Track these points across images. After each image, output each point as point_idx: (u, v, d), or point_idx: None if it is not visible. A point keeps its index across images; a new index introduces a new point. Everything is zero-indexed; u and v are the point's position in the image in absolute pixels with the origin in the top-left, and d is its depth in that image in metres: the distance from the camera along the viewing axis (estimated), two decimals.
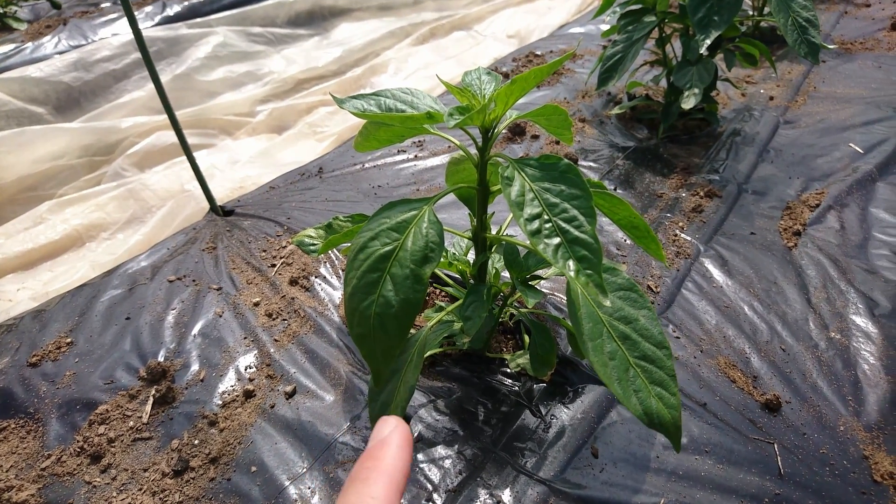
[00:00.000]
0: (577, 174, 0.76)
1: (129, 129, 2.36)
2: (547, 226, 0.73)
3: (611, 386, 0.75)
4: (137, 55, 2.78)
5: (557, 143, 1.86)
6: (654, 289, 1.30)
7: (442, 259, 1.13)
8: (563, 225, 0.73)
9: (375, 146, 1.00)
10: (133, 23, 1.30)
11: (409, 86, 2.70)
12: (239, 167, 2.12)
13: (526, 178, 0.77)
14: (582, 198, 0.74)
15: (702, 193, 1.61)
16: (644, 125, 1.99)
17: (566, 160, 0.77)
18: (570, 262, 0.70)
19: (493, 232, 1.05)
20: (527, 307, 1.06)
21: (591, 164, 1.77)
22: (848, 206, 1.57)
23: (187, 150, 1.48)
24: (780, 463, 0.98)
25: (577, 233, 0.72)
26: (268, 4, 3.29)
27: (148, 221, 1.79)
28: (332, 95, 0.88)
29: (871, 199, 1.60)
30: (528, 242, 0.81)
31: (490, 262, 1.09)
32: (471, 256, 1.18)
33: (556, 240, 0.72)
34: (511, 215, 1.18)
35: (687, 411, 1.05)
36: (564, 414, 1.04)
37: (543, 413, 1.04)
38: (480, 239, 0.98)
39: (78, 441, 1.02)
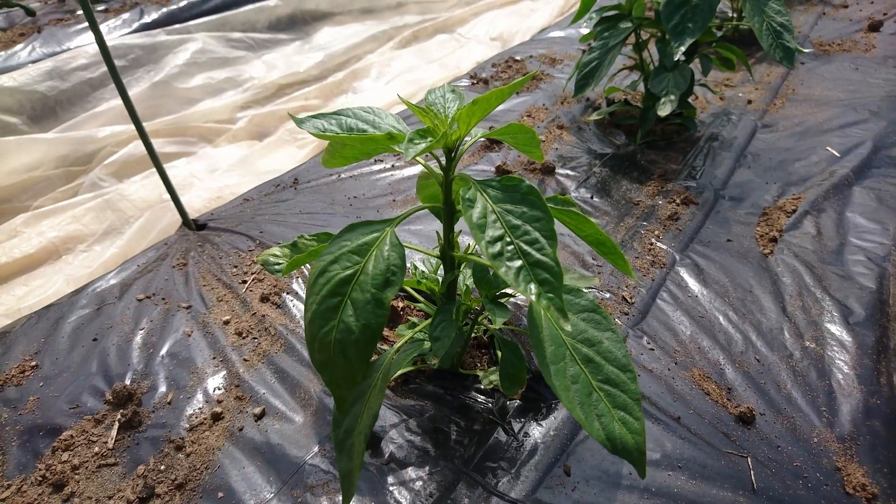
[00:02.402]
0: (538, 196, 0.74)
1: (107, 139, 2.32)
2: (509, 248, 0.72)
3: (573, 410, 0.73)
4: (115, 64, 2.74)
5: None
6: (629, 299, 1.29)
7: (410, 277, 1.12)
8: (525, 247, 0.72)
9: (342, 163, 0.98)
10: (96, 32, 1.28)
11: (392, 91, 2.69)
12: (218, 175, 2.09)
13: (488, 200, 0.76)
14: (543, 220, 0.73)
15: (678, 201, 1.61)
16: (622, 131, 1.98)
17: (527, 182, 0.75)
18: (532, 286, 0.69)
19: (465, 247, 1.04)
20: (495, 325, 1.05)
21: (569, 172, 1.76)
22: (824, 212, 1.57)
23: (157, 164, 1.45)
24: (753, 477, 0.97)
25: (538, 255, 0.71)
26: (248, 10, 3.26)
27: (125, 233, 1.76)
28: (291, 116, 0.86)
29: (848, 203, 1.60)
30: (490, 264, 0.80)
31: (461, 278, 1.08)
32: (441, 274, 1.17)
33: (518, 262, 0.71)
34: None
35: (660, 426, 1.04)
36: (537, 431, 1.03)
37: (516, 431, 1.03)
38: (448, 257, 0.96)
39: (40, 469, 0.99)
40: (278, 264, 0.99)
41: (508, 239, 0.72)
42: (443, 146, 0.84)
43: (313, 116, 0.87)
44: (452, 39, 3.28)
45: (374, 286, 0.76)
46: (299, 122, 0.85)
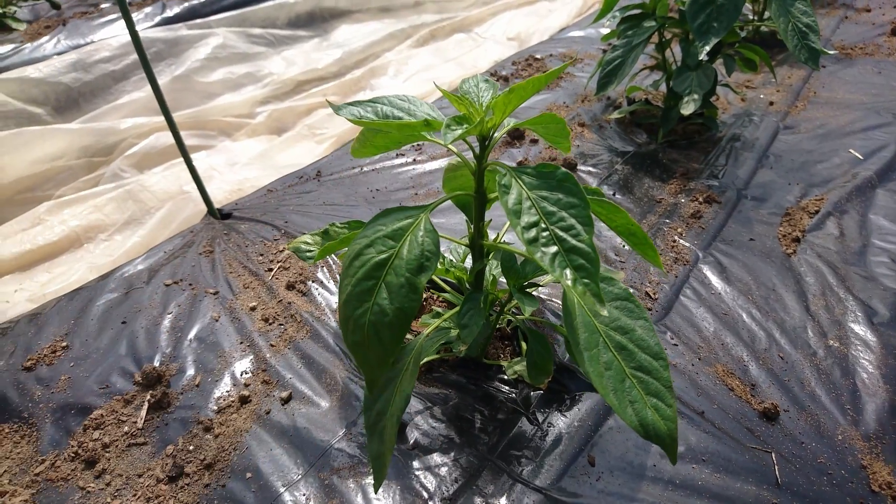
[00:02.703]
0: (575, 183, 0.75)
1: (128, 130, 2.35)
2: (544, 234, 0.73)
3: (606, 396, 0.74)
4: (137, 56, 2.77)
5: None
6: (653, 295, 1.30)
7: (439, 266, 1.13)
8: (561, 233, 0.72)
9: (373, 153, 1.00)
10: (130, 25, 1.30)
11: (409, 89, 2.70)
12: (238, 169, 2.11)
13: (523, 187, 0.77)
14: (579, 206, 0.74)
15: (701, 199, 1.61)
16: (643, 130, 1.99)
17: (563, 168, 0.76)
18: (568, 271, 0.70)
19: (491, 238, 1.05)
20: (524, 314, 1.06)
21: (590, 168, 1.76)
22: (847, 213, 1.57)
23: (185, 153, 1.47)
24: (777, 472, 0.97)
25: (574, 241, 0.71)
26: (268, 6, 3.29)
27: (146, 223, 1.78)
28: (328, 101, 0.87)
29: (871, 205, 1.59)
30: (525, 250, 0.81)
31: (487, 269, 1.09)
32: (468, 263, 1.18)
33: (554, 248, 0.71)
34: (508, 222, 1.18)
35: (685, 420, 1.05)
36: (561, 421, 1.04)
37: (540, 420, 1.04)
38: (477, 246, 0.97)
39: (72, 446, 1.01)
40: (310, 251, 1.01)
41: (544, 225, 0.73)
42: (478, 133, 0.85)
43: (349, 104, 0.88)
44: (469, 39, 3.29)
45: (409, 270, 0.77)
46: (337, 109, 0.86)
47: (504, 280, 1.17)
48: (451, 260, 1.09)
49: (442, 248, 1.40)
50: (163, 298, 1.32)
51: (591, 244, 0.70)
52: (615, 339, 0.78)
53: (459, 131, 0.77)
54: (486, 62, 2.83)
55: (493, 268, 1.10)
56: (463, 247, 1.17)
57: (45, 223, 1.87)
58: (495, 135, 0.88)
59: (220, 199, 1.89)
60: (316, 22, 3.51)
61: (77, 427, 1.05)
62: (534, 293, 1.20)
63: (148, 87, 2.60)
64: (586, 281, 0.68)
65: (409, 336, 1.21)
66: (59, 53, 2.76)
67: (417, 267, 0.77)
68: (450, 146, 0.93)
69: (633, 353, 0.78)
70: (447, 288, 1.16)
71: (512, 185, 0.77)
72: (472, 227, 0.96)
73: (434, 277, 1.18)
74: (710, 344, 1.20)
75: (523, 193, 0.76)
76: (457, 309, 0.99)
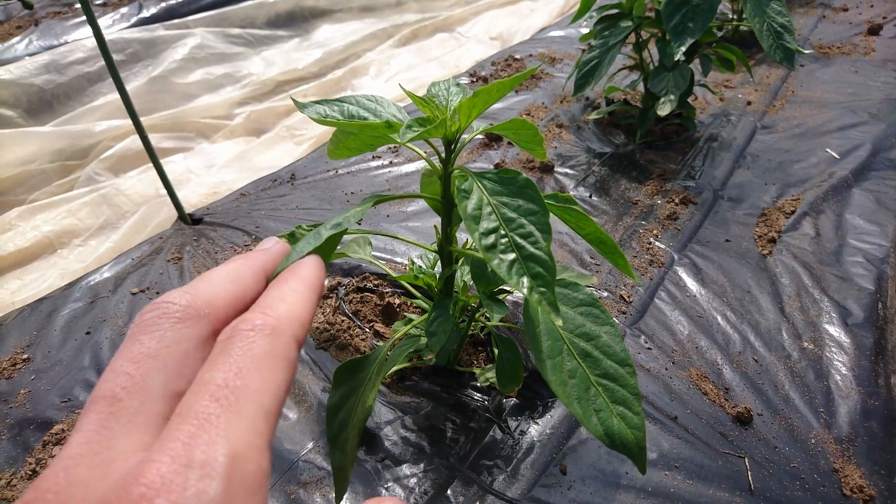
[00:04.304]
0: (535, 189, 0.73)
1: (104, 133, 2.31)
2: (503, 241, 0.71)
3: (570, 406, 0.73)
4: (113, 58, 2.73)
5: None
6: (627, 298, 1.29)
7: (407, 272, 1.11)
8: (520, 240, 0.71)
9: (346, 154, 0.97)
10: (94, 25, 1.26)
11: (391, 89, 2.68)
12: (215, 171, 2.08)
13: (484, 192, 0.75)
14: (539, 213, 0.72)
15: (677, 200, 1.60)
16: (622, 130, 1.98)
17: (524, 175, 0.75)
18: (525, 279, 0.68)
19: (462, 243, 1.03)
20: (492, 321, 1.04)
21: (568, 170, 1.75)
22: (823, 213, 1.57)
23: (153, 157, 1.44)
24: (750, 478, 0.96)
25: (532, 249, 0.70)
26: (247, 5, 3.25)
27: (120, 228, 1.75)
28: (293, 100, 0.85)
29: (847, 205, 1.60)
30: (482, 257, 0.79)
31: (459, 274, 1.07)
32: (438, 270, 1.16)
33: (512, 255, 0.70)
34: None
35: (658, 425, 1.03)
36: (534, 429, 1.02)
37: (512, 429, 1.02)
38: (446, 252, 0.95)
39: (30, 463, 0.98)
40: None
41: (503, 231, 0.71)
42: (441, 136, 0.83)
43: (316, 102, 0.86)
44: (452, 38, 3.27)
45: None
46: (301, 107, 0.84)
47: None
48: (421, 266, 1.08)
49: (413, 254, 1.38)
50: (129, 308, 1.29)
51: (548, 252, 0.69)
52: (580, 347, 0.77)
53: (417, 132, 0.75)
54: (469, 62, 2.82)
55: (465, 273, 1.08)
56: (433, 253, 1.15)
57: (16, 229, 1.82)
58: (464, 137, 0.86)
59: (195, 202, 1.86)
60: (296, 21, 3.47)
61: (36, 443, 1.01)
62: (506, 300, 1.19)
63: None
64: (542, 289, 0.67)
65: (380, 342, 1.19)
66: (32, 54, 2.70)
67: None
68: (419, 151, 0.91)
69: (598, 360, 0.77)
70: (418, 295, 1.14)
71: (473, 189, 0.76)
72: (440, 233, 0.94)
73: (405, 284, 1.16)
74: (684, 347, 1.19)
75: (484, 199, 0.74)
76: (426, 316, 0.97)
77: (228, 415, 0.20)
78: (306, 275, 0.29)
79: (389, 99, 0.92)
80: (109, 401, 0.21)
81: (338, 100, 0.87)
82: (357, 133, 0.89)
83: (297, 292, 0.27)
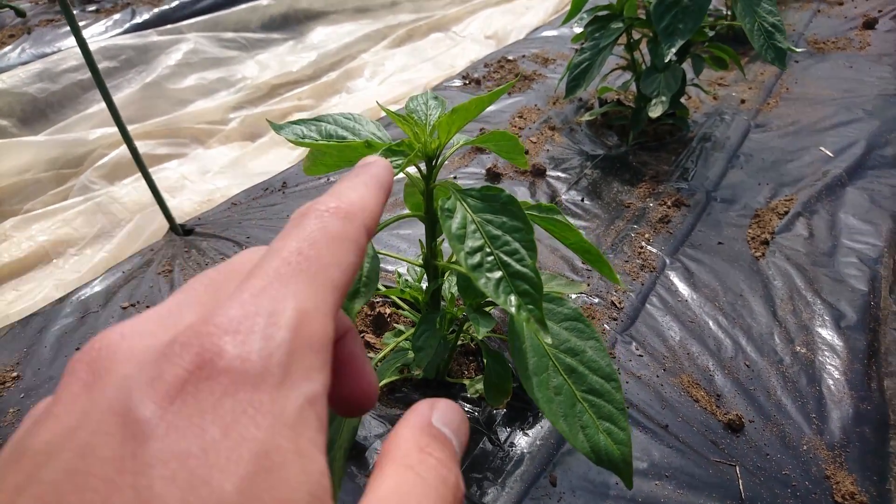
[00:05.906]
0: (518, 206, 0.73)
1: (98, 141, 2.31)
2: (489, 259, 0.70)
3: (556, 423, 0.72)
4: (106, 65, 2.72)
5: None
6: (618, 304, 1.28)
7: (394, 286, 1.11)
8: (505, 258, 0.70)
9: (324, 171, 0.96)
10: (77, 33, 1.26)
11: (385, 91, 2.67)
12: (209, 178, 2.08)
13: (468, 210, 0.75)
14: (523, 230, 0.72)
15: (669, 203, 1.60)
16: (615, 132, 1.97)
17: (507, 192, 0.74)
18: (512, 297, 0.68)
19: (448, 255, 1.02)
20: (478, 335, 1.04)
21: (560, 174, 1.74)
22: (817, 213, 1.56)
23: (142, 166, 1.44)
24: (741, 486, 0.96)
25: (518, 266, 0.69)
26: (241, 9, 3.24)
27: (115, 237, 1.75)
28: (269, 122, 0.85)
29: (841, 204, 1.59)
30: (469, 276, 0.79)
31: (446, 286, 1.07)
32: (425, 283, 1.16)
33: (498, 273, 0.69)
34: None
35: (648, 434, 1.03)
36: (523, 440, 1.02)
37: (502, 440, 1.02)
38: (431, 266, 0.95)
39: None
40: None
41: (488, 250, 0.71)
42: (422, 157, 0.82)
43: (292, 123, 0.86)
44: (447, 38, 3.26)
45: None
46: (277, 129, 0.83)
47: None
48: (408, 280, 1.07)
49: (402, 266, 1.38)
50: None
51: (534, 269, 0.68)
52: (565, 362, 0.76)
53: (400, 162, 0.75)
54: (464, 61, 2.80)
55: (452, 285, 1.08)
56: (419, 267, 1.15)
57: (11, 239, 1.82)
58: (446, 153, 0.86)
59: (189, 210, 1.86)
60: (290, 24, 3.46)
61: None
62: (492, 310, 1.18)
63: (118, 96, 2.55)
64: (531, 307, 0.67)
65: (370, 353, 1.19)
66: (24, 63, 2.70)
67: (352, 293, 0.75)
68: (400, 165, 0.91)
69: (583, 375, 0.76)
70: (406, 308, 1.14)
71: (457, 208, 0.75)
72: (425, 247, 0.94)
73: (394, 298, 1.16)
74: (675, 354, 1.18)
75: (468, 217, 0.74)
76: (413, 330, 0.97)
77: (298, 277, 0.21)
78: (376, 172, 0.30)
79: (377, 107, 0.92)
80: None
81: (315, 119, 0.87)
82: (333, 153, 0.89)
83: (367, 186, 0.28)
